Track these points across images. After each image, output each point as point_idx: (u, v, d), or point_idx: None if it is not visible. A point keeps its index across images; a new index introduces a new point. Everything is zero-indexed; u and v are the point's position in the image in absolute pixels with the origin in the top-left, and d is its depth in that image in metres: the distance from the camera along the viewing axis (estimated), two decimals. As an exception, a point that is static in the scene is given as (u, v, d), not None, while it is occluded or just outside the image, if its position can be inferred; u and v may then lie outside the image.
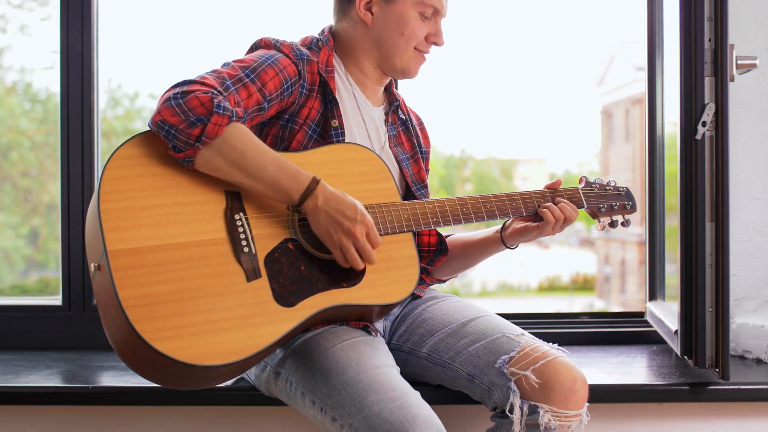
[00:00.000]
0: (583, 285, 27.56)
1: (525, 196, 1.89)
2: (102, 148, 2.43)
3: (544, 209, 1.87)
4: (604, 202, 1.95)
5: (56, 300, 2.42)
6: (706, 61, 1.87)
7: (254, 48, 1.82)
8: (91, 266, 1.59)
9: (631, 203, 1.97)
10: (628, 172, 24.39)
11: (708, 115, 1.87)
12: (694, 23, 1.87)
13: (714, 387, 1.94)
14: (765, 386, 1.97)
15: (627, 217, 1.98)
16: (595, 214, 1.95)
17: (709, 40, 1.86)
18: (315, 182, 1.64)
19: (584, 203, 1.93)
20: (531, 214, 1.89)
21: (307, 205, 1.64)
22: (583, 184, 1.97)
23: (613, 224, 1.97)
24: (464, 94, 48.35)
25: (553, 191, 1.92)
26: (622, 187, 1.98)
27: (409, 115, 2.02)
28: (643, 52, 2.48)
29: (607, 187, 1.97)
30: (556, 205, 1.88)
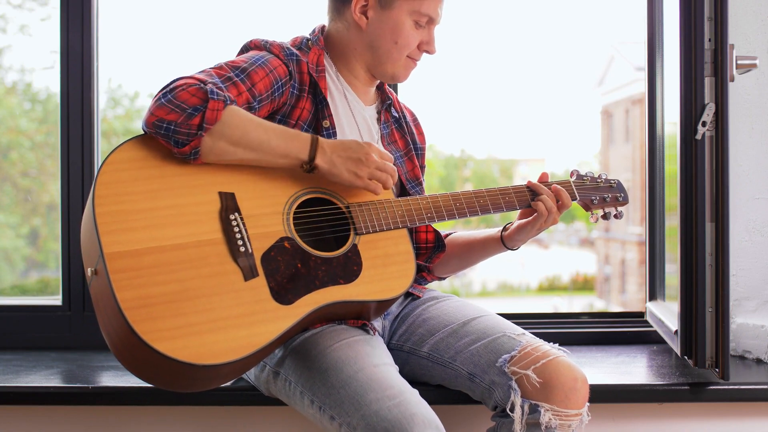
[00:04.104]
0: (583, 285, 27.55)
1: (517, 190, 1.90)
2: (102, 148, 2.43)
3: (537, 202, 1.87)
4: (596, 194, 1.96)
5: (56, 300, 2.42)
6: (706, 61, 1.87)
7: (244, 50, 1.83)
8: (88, 271, 1.59)
9: (622, 195, 1.98)
10: (628, 172, 24.38)
11: (708, 115, 1.86)
12: (694, 23, 1.87)
13: (714, 387, 1.94)
14: (765, 386, 1.97)
15: (619, 209, 1.99)
16: (588, 207, 1.96)
17: (709, 40, 1.86)
18: (315, 138, 1.68)
19: (577, 196, 1.94)
20: (524, 207, 1.90)
21: (318, 159, 1.67)
22: (574, 178, 1.98)
23: (605, 216, 1.98)
24: (464, 94, 48.37)
25: (544, 183, 1.92)
26: (614, 180, 1.99)
27: (402, 112, 2.02)
28: (643, 52, 2.48)
29: (599, 180, 1.98)
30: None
